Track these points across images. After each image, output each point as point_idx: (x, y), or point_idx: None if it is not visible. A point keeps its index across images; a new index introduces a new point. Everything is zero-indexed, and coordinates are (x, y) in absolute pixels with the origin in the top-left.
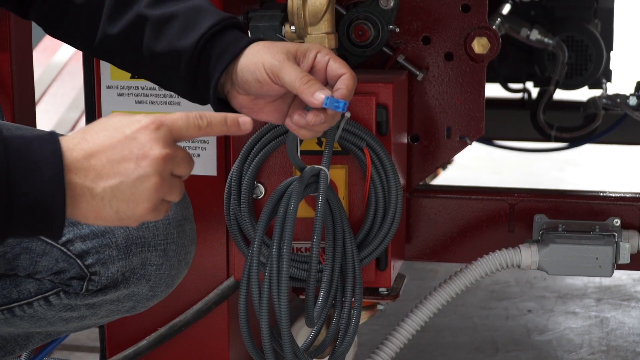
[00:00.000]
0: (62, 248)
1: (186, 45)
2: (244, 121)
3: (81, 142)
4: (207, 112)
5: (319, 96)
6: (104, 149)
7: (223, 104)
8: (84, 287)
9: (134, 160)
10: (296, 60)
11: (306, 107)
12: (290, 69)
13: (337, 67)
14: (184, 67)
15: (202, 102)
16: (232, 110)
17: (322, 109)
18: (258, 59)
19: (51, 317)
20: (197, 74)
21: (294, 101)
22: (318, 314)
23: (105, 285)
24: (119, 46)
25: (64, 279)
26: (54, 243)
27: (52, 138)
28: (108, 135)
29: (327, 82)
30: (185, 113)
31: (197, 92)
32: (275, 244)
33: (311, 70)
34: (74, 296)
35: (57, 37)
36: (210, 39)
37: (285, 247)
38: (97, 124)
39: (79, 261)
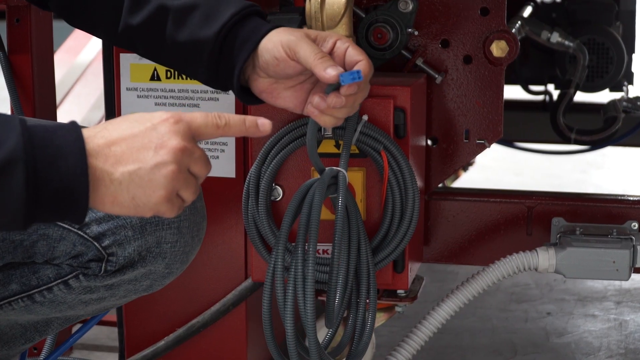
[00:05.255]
0: (79, 232)
1: (208, 35)
2: (263, 123)
3: (102, 131)
4: (226, 113)
5: (331, 72)
6: (125, 138)
7: (246, 92)
8: (103, 268)
9: (152, 148)
10: (315, 43)
11: (326, 90)
12: (306, 45)
13: (354, 53)
14: (206, 57)
15: (225, 89)
16: (254, 97)
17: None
18: (277, 39)
19: (71, 300)
20: (220, 63)
21: (313, 89)
22: (335, 315)
23: (123, 265)
24: (142, 36)
25: (83, 262)
26: (70, 227)
27: (74, 127)
28: (129, 126)
29: (345, 69)
30: (204, 112)
31: (220, 80)
32: (299, 244)
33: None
34: (93, 278)
35: (78, 27)
36: (232, 28)
37: (311, 246)
38: (118, 118)
39: (96, 243)
